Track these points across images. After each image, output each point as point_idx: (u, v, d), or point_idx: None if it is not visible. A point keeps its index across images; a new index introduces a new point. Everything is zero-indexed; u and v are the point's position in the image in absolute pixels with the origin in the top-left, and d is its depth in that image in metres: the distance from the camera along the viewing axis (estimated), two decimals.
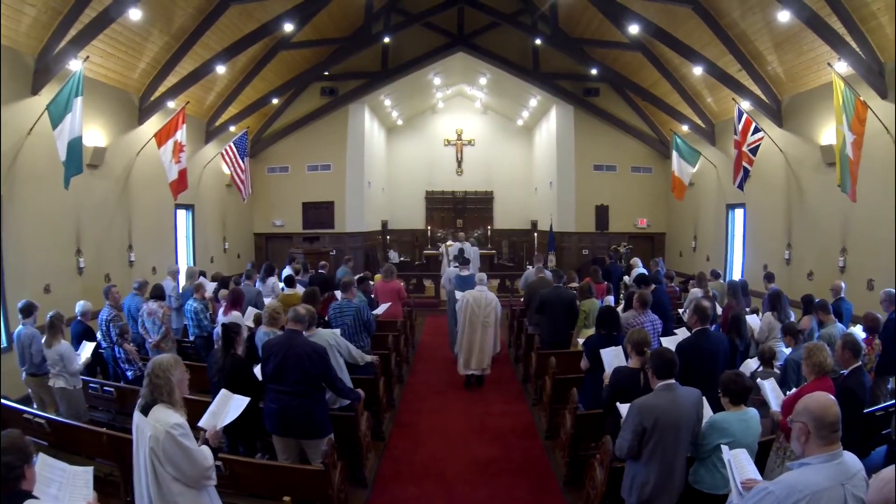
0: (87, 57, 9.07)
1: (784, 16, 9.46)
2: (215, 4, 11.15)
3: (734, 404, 4.15)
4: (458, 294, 10.08)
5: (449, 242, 18.99)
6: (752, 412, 4.19)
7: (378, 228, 21.83)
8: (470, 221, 23.85)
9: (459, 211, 24.10)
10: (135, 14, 9.42)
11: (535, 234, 21.72)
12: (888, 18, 8.28)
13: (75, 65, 8.85)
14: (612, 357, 5.86)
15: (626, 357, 5.43)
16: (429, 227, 23.45)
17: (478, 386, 9.58)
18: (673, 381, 4.15)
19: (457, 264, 11.58)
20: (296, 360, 5.17)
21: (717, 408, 4.47)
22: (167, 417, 3.57)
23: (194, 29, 11.35)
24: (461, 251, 14.41)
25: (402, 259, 21.44)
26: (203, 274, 10.86)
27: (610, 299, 11.35)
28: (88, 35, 9.06)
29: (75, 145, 8.47)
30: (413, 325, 12.95)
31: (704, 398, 4.39)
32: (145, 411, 3.62)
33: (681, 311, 10.37)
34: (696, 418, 4.12)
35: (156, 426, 3.53)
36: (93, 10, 8.93)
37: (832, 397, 3.00)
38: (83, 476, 3.44)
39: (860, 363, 4.77)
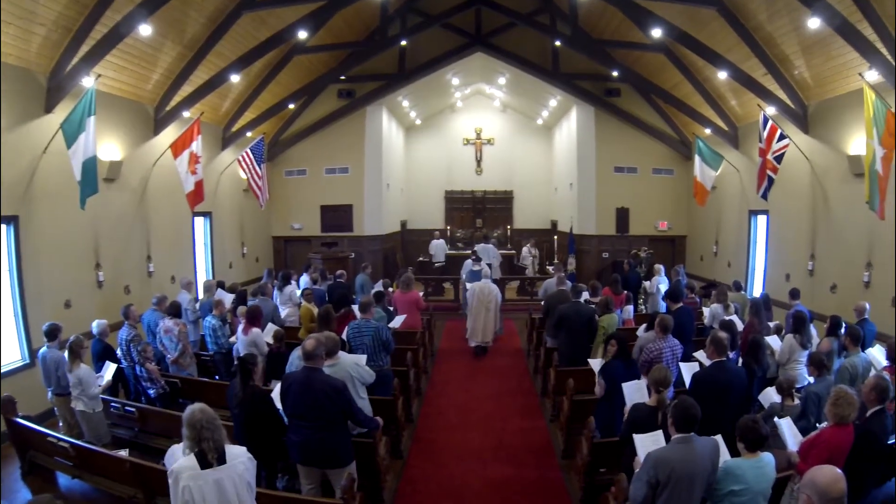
0: (99, 76, 9.05)
1: (814, 22, 9.04)
2: (227, 13, 11.09)
3: (750, 451, 4.08)
4: (468, 284, 13.04)
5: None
6: (768, 458, 4.12)
7: (397, 229, 21.76)
8: (490, 221, 23.69)
9: (479, 211, 23.97)
10: (145, 30, 9.38)
11: (556, 236, 21.51)
12: None
13: (88, 81, 8.88)
14: (634, 391, 5.82)
15: (649, 392, 5.36)
16: (448, 227, 23.28)
17: (483, 355, 12.14)
18: (691, 433, 4.07)
19: (473, 258, 14.13)
20: (313, 400, 5.09)
21: (729, 443, 4.43)
22: (238, 450, 3.93)
23: (207, 38, 11.31)
24: (475, 248, 17.03)
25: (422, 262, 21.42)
26: (221, 284, 10.85)
27: (629, 309, 11.27)
28: (100, 51, 9.05)
29: (90, 165, 8.51)
30: (432, 333, 12.86)
31: (721, 440, 4.35)
32: (221, 461, 3.78)
33: (704, 320, 10.15)
34: (711, 469, 4.04)
35: (238, 462, 3.86)
36: (103, 27, 8.91)
37: (839, 471, 3.03)
38: None
39: (883, 407, 4.64)
